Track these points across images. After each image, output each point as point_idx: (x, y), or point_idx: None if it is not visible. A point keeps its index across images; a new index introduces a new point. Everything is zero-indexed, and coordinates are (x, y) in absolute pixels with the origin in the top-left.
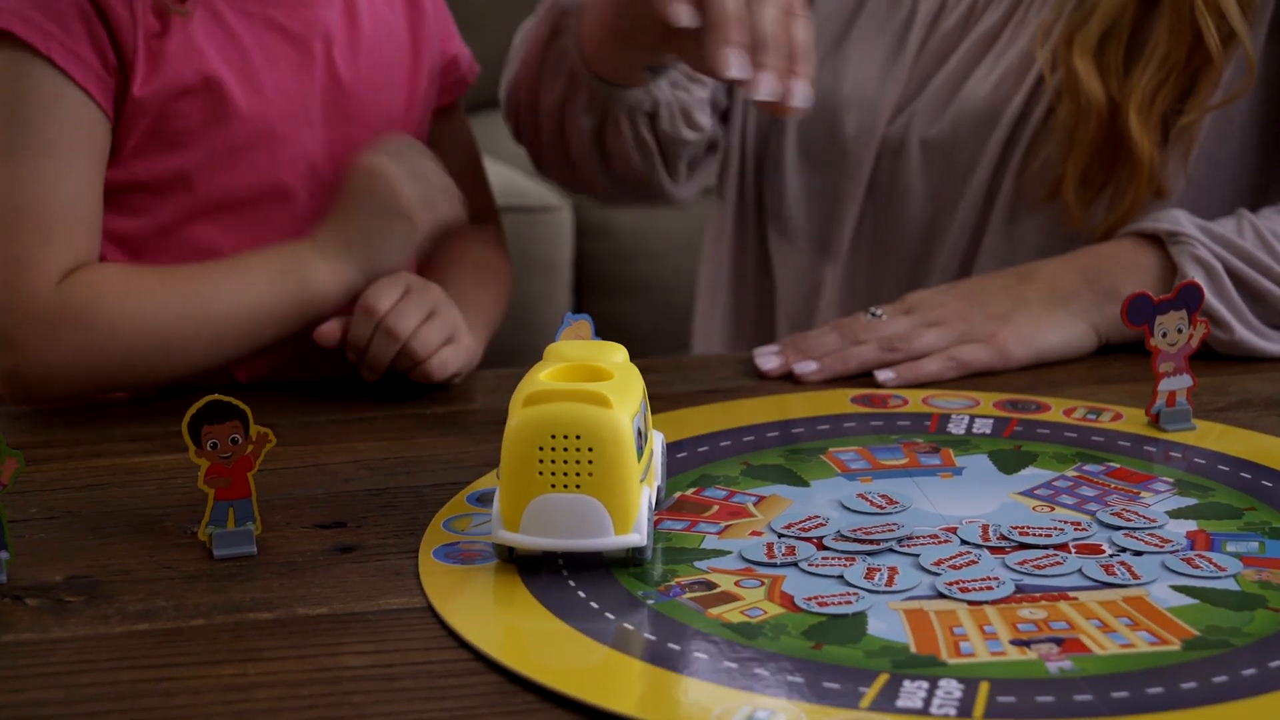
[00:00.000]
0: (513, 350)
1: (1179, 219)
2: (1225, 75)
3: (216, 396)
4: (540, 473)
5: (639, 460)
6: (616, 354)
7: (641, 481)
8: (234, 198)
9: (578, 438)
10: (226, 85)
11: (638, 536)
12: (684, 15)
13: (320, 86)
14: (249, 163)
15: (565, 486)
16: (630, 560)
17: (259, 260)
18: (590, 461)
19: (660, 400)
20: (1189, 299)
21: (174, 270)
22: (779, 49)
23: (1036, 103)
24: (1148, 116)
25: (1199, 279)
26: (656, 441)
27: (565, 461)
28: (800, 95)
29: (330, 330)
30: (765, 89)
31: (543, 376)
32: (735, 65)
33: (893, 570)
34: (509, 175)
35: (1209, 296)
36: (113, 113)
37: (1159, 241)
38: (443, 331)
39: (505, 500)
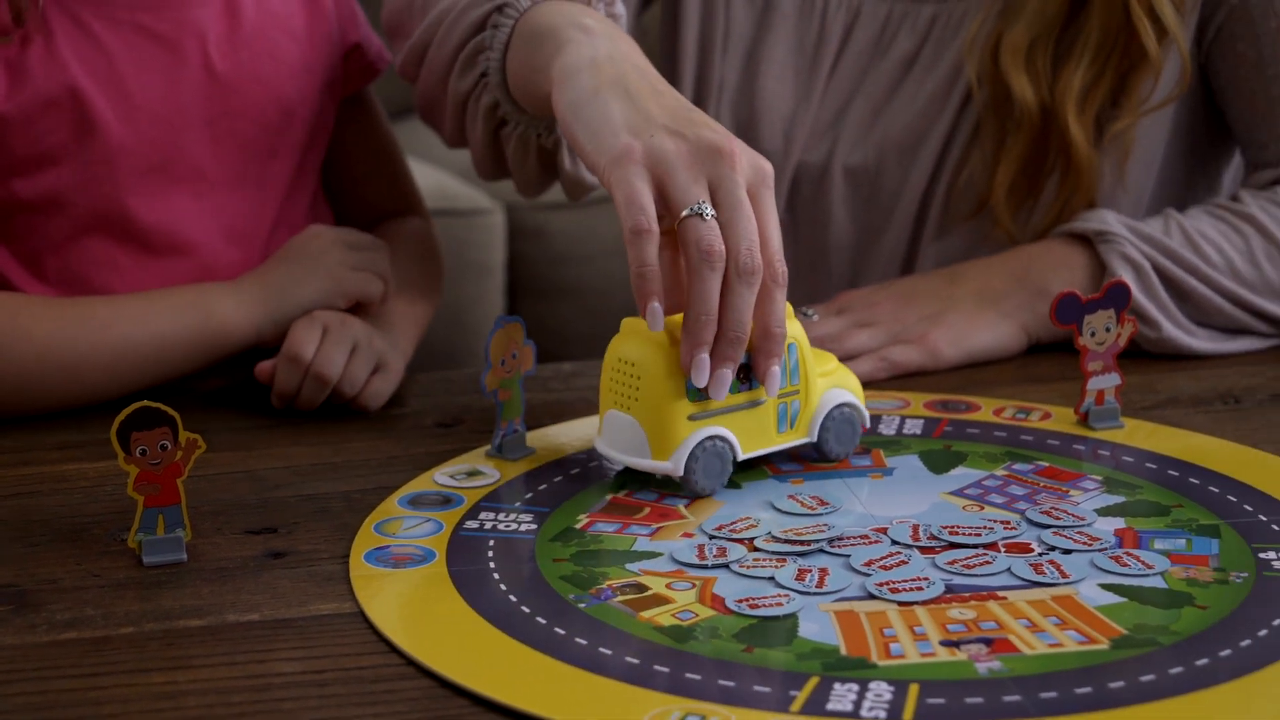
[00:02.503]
0: (445, 354)
1: (1107, 219)
2: (1161, 77)
3: (145, 403)
4: (611, 390)
5: (693, 399)
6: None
7: (700, 419)
8: (117, 209)
9: (632, 365)
10: (91, 98)
11: (670, 465)
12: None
13: (196, 84)
14: (126, 172)
15: (623, 406)
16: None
17: (165, 292)
18: (637, 389)
19: (592, 404)
20: (1117, 298)
21: (75, 298)
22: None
23: (963, 123)
24: (1081, 116)
25: (1127, 278)
26: (828, 398)
27: (626, 385)
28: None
29: (267, 369)
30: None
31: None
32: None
33: (823, 571)
34: (440, 179)
35: (1137, 294)
36: None
37: (1088, 241)
38: (369, 364)
39: (600, 411)
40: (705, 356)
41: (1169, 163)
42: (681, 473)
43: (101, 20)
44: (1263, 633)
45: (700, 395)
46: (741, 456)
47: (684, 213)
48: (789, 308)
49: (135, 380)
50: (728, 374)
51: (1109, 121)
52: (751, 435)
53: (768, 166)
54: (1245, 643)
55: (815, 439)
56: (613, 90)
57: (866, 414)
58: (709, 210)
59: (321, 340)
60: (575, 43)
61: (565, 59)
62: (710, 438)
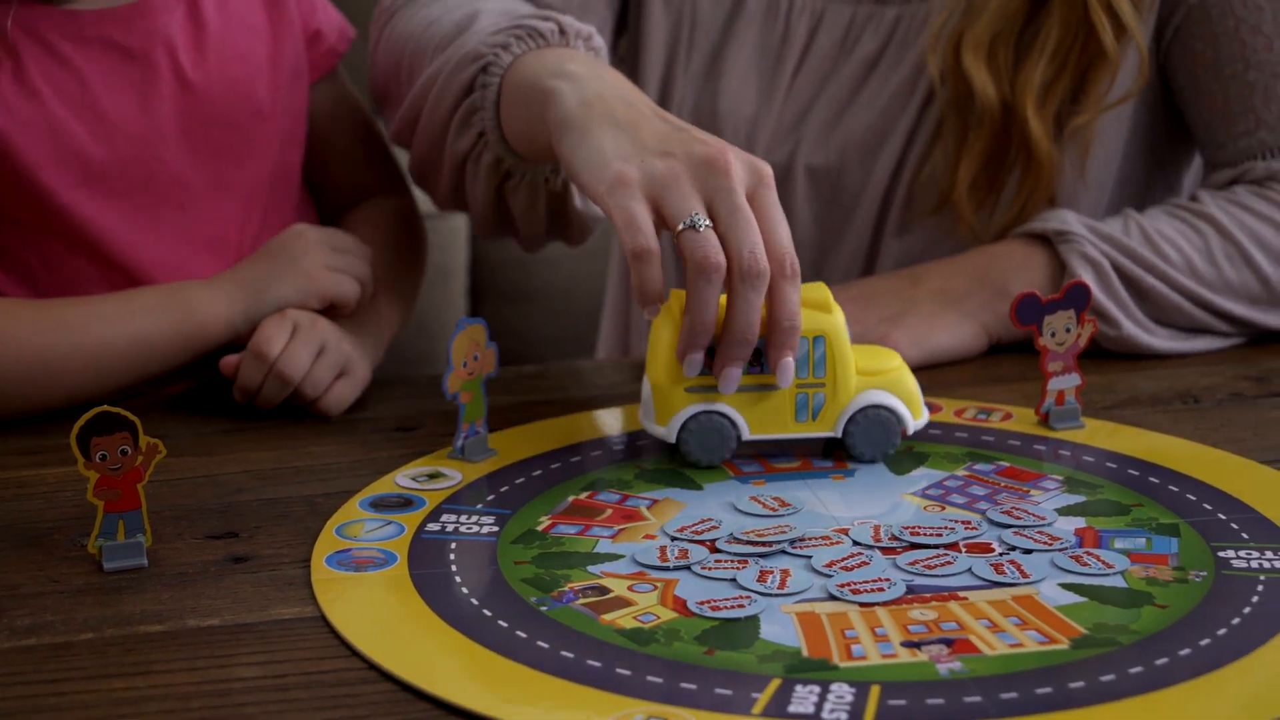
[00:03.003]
0: (407, 358)
1: (1066, 218)
2: (1119, 74)
3: (105, 408)
4: (648, 359)
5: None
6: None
7: (698, 392)
8: (98, 227)
9: (653, 334)
10: (69, 128)
11: (664, 431)
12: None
13: (170, 97)
14: (107, 191)
15: (648, 373)
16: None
17: (142, 292)
18: (654, 357)
19: (554, 406)
20: (1077, 299)
21: (53, 300)
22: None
23: (926, 120)
24: (1041, 112)
25: (1087, 277)
26: (864, 397)
27: (649, 352)
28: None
29: (232, 363)
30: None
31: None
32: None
33: (785, 573)
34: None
35: (1097, 293)
36: None
37: (1048, 241)
38: (334, 368)
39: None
40: (697, 356)
41: (1128, 162)
42: (674, 440)
43: (70, 41)
44: (1222, 631)
45: (703, 369)
46: (749, 436)
47: (679, 227)
48: (828, 296)
49: (115, 380)
50: (735, 372)
51: (1069, 118)
52: (763, 419)
53: (765, 167)
54: (1204, 642)
55: (840, 434)
56: (603, 125)
57: (910, 420)
58: (703, 221)
59: (290, 339)
60: (561, 93)
61: (557, 110)
62: (707, 412)
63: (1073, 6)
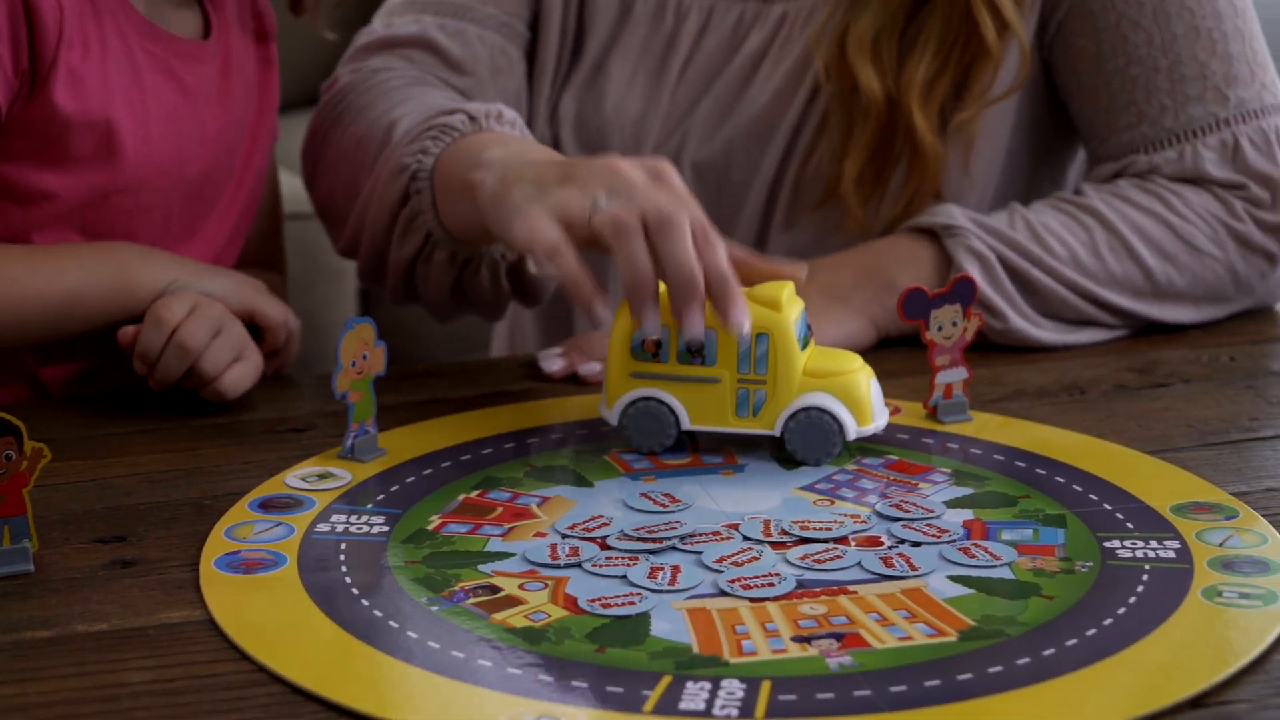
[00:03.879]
0: (299, 358)
1: (953, 213)
2: (1001, 70)
3: None
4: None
5: (636, 357)
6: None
7: (641, 378)
8: (86, 226)
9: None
10: (122, 133)
11: (609, 414)
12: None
13: (193, 143)
14: (115, 205)
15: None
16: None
17: (79, 249)
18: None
19: (445, 404)
20: (962, 293)
21: None
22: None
23: (812, 114)
24: (925, 107)
25: (973, 271)
26: (806, 398)
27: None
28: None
29: (130, 333)
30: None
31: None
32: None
33: (675, 569)
34: (294, 183)
35: (984, 287)
36: (4, 112)
37: (934, 235)
38: (232, 349)
39: None
40: (651, 317)
41: (1013, 156)
42: (616, 423)
43: (144, 54)
44: (1108, 622)
45: (645, 356)
46: (688, 426)
47: (586, 217)
48: (781, 294)
49: (39, 334)
50: (695, 314)
51: (953, 113)
52: (703, 410)
53: (660, 161)
54: (1091, 632)
55: (779, 434)
56: (516, 187)
57: (852, 425)
58: (603, 199)
59: (190, 314)
60: (483, 182)
61: (481, 197)
62: (646, 398)
63: (954, 3)
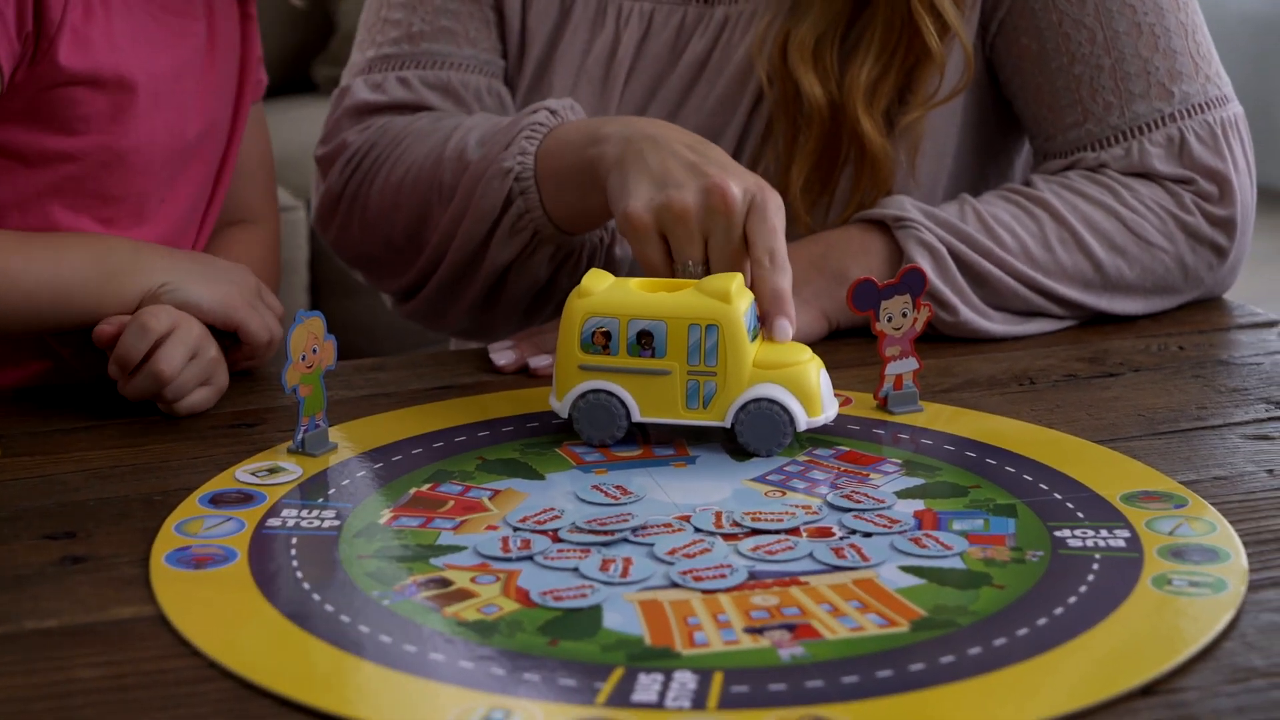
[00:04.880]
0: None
1: (904, 204)
2: (946, 72)
3: None
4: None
5: (586, 350)
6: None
7: (590, 370)
8: (98, 190)
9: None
10: (132, 91)
11: (559, 407)
12: None
13: (194, 98)
14: (127, 164)
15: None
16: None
17: (71, 245)
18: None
19: (396, 398)
20: (912, 284)
21: None
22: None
23: (756, 120)
24: (870, 110)
25: (924, 263)
26: (756, 390)
27: (560, 334)
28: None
29: (107, 333)
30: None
31: (633, 284)
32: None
33: (627, 561)
34: None
35: (934, 280)
36: (8, 76)
37: (886, 227)
38: (200, 375)
39: None
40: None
41: (961, 156)
42: (566, 416)
43: (147, 13)
44: (1058, 611)
45: (595, 348)
46: (638, 418)
47: (676, 269)
48: (730, 287)
49: (24, 327)
50: (785, 322)
51: (898, 116)
52: (654, 402)
53: (763, 192)
54: (1042, 621)
55: (729, 425)
56: (635, 165)
57: (802, 416)
58: (697, 268)
59: (169, 334)
60: (604, 155)
61: (603, 168)
62: (596, 390)
63: (895, 7)
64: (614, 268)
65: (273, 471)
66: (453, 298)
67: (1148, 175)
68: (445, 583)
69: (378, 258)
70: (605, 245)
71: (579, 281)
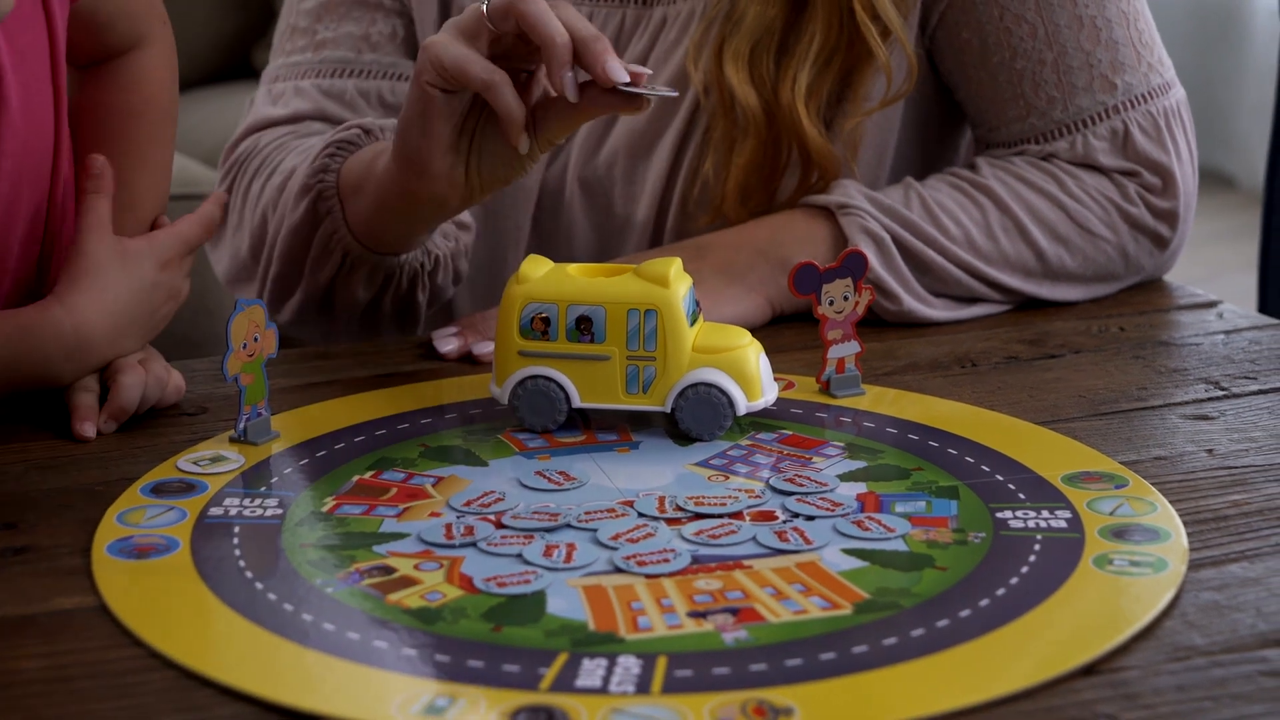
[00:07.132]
0: (191, 341)
1: (849, 190)
2: (890, 75)
3: None
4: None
5: (525, 337)
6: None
7: (529, 356)
8: None
9: None
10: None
11: (499, 393)
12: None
13: (48, 88)
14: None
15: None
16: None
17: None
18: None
19: (338, 385)
20: (854, 267)
21: None
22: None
23: (695, 127)
24: (810, 114)
25: (868, 251)
26: (696, 374)
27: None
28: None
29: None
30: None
31: (571, 269)
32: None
33: (571, 546)
34: (184, 164)
35: (878, 268)
36: None
37: (830, 213)
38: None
39: None
40: (567, 74)
41: (902, 150)
42: (506, 403)
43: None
44: (1001, 592)
45: (534, 334)
46: (578, 404)
47: (482, 9)
48: (669, 271)
49: None
50: (569, 75)
51: (837, 119)
52: (593, 387)
53: None
54: (984, 602)
55: (669, 410)
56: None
57: (742, 400)
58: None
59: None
60: (386, 148)
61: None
62: (535, 376)
63: (834, 10)
64: (437, 294)
65: (215, 460)
66: (285, 299)
67: (1093, 167)
68: (388, 570)
69: (237, 277)
70: (427, 271)
71: (403, 304)
